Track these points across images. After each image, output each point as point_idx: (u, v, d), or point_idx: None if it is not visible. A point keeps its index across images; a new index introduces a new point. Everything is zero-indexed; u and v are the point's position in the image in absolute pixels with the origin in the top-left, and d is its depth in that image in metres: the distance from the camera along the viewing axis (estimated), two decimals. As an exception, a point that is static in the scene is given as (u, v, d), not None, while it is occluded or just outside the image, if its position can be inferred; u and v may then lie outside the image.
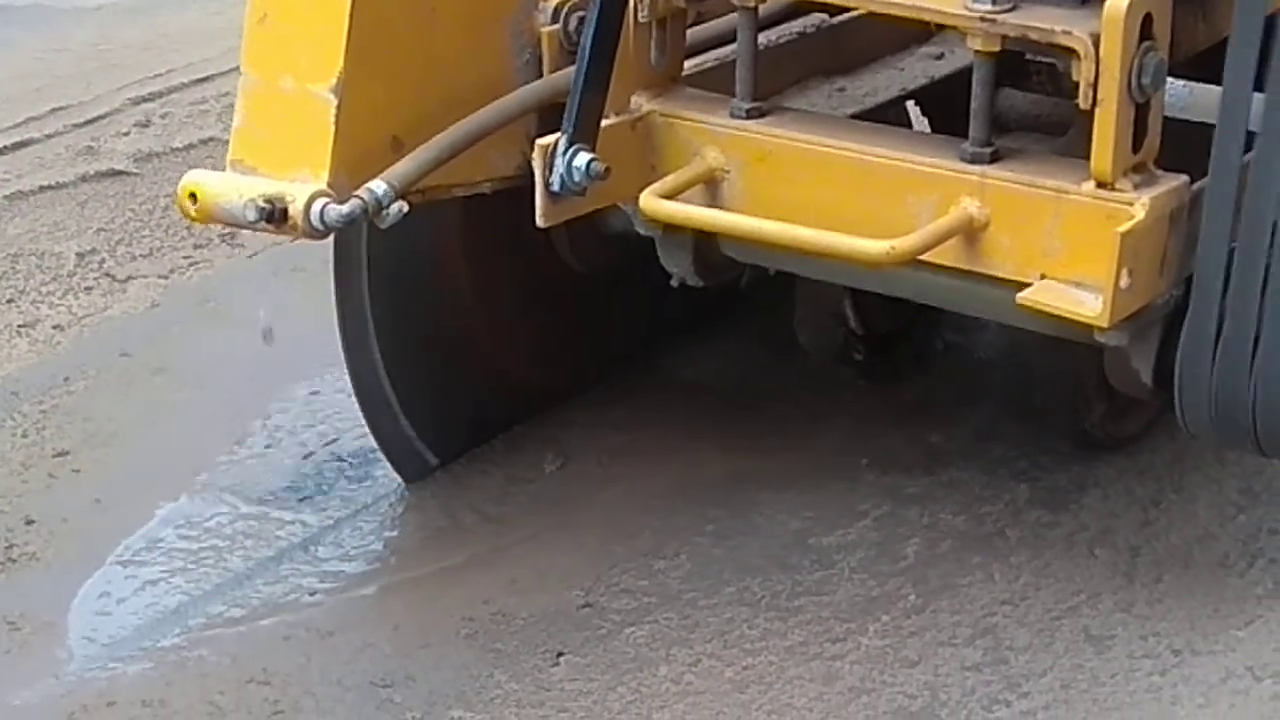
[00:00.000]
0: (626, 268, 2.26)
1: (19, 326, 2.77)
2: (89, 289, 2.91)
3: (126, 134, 3.40)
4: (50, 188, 3.20)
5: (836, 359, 2.33)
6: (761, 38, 2.19)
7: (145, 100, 3.50)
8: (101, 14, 3.94)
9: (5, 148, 3.29)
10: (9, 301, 2.83)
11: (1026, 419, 2.33)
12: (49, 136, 3.37)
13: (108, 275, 2.94)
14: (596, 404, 2.45)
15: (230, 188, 1.89)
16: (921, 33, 2.25)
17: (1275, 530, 2.18)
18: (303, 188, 1.86)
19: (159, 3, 3.96)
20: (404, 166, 1.90)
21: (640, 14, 2.00)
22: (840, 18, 2.19)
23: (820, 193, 1.96)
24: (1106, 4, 1.76)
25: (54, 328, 2.79)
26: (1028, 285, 1.87)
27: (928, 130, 2.43)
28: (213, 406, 2.55)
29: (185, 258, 2.99)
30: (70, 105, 3.46)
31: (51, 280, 2.92)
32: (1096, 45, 1.77)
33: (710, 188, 2.02)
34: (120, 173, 3.25)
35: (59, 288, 2.91)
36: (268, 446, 2.46)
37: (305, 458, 2.42)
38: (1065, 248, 1.85)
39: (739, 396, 2.48)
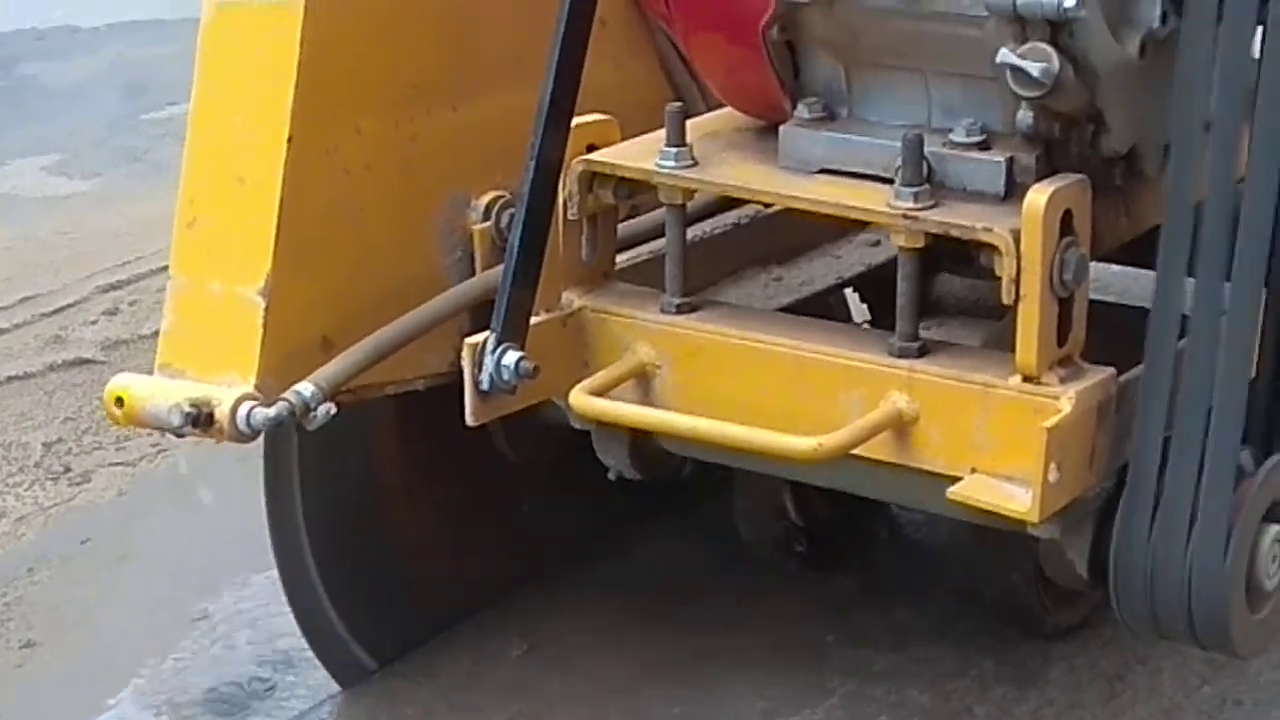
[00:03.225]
0: (565, 458, 2.19)
1: (-16, 519, 2.72)
2: (55, 479, 2.86)
3: (95, 322, 3.37)
4: (18, 378, 3.17)
5: (778, 551, 2.27)
6: (697, 229, 2.17)
7: (114, 288, 3.48)
8: (71, 202, 3.94)
9: (-25, 339, 3.28)
10: (-26, 495, 2.79)
11: (976, 605, 2.27)
12: (18, 326, 3.34)
13: (73, 465, 2.89)
14: (561, 588, 2.39)
15: (157, 391, 1.83)
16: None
17: (1240, 701, 2.15)
18: (230, 391, 1.81)
19: (128, 191, 3.96)
20: (333, 368, 1.85)
21: (570, 211, 1.97)
22: (774, 208, 2.15)
23: (751, 388, 1.91)
24: (1026, 200, 1.72)
25: (18, 520, 2.74)
26: (959, 479, 1.81)
27: (868, 316, 2.40)
28: (176, 592, 2.48)
29: (153, 445, 2.93)
30: (39, 294, 3.44)
31: (18, 471, 2.87)
32: (1017, 241, 1.73)
33: (642, 383, 1.97)
34: (88, 361, 3.22)
35: (25, 479, 2.86)
36: (226, 637, 2.39)
37: (263, 648, 2.35)
38: (994, 442, 1.79)
39: (702, 577, 2.42)
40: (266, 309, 1.84)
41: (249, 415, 1.79)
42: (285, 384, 1.82)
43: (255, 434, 1.81)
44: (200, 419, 1.79)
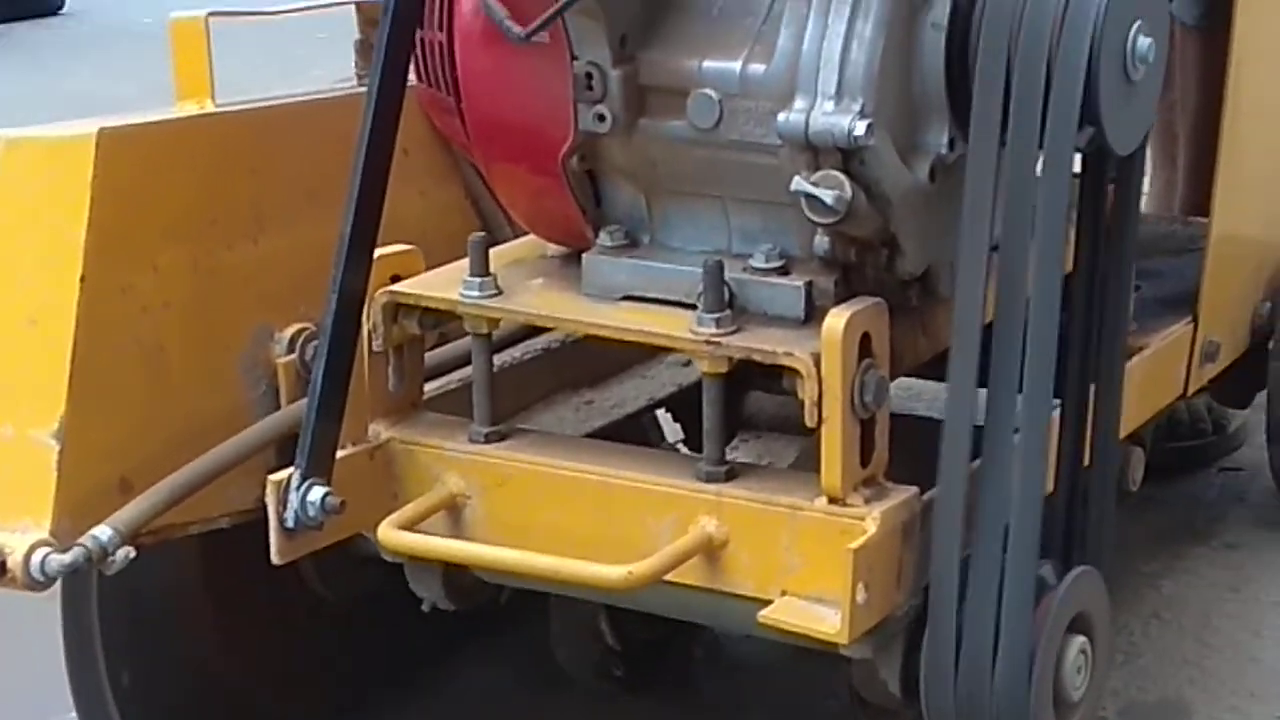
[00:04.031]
0: (379, 591, 2.15)
1: None
2: None
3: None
4: None
5: (594, 675, 2.24)
6: (506, 355, 2.16)
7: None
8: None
9: None
10: None
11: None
12: None
13: None
14: (383, 715, 2.35)
15: (-55, 540, 1.77)
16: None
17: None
18: (23, 538, 1.75)
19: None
20: (131, 511, 1.80)
21: (375, 343, 1.94)
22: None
23: (561, 516, 1.89)
24: (824, 325, 1.74)
25: None
26: (770, 601, 1.80)
27: (681, 436, 2.40)
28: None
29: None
30: None
31: None
32: (818, 365, 1.74)
33: (453, 514, 1.94)
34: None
35: None
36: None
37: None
38: (803, 564, 1.79)
39: (523, 699, 2.39)
40: (61, 452, 1.78)
41: (43, 562, 1.74)
42: (82, 528, 1.77)
43: (50, 582, 1.75)
44: (-9, 568, 1.74)
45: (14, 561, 1.74)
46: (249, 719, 2.23)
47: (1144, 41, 1.76)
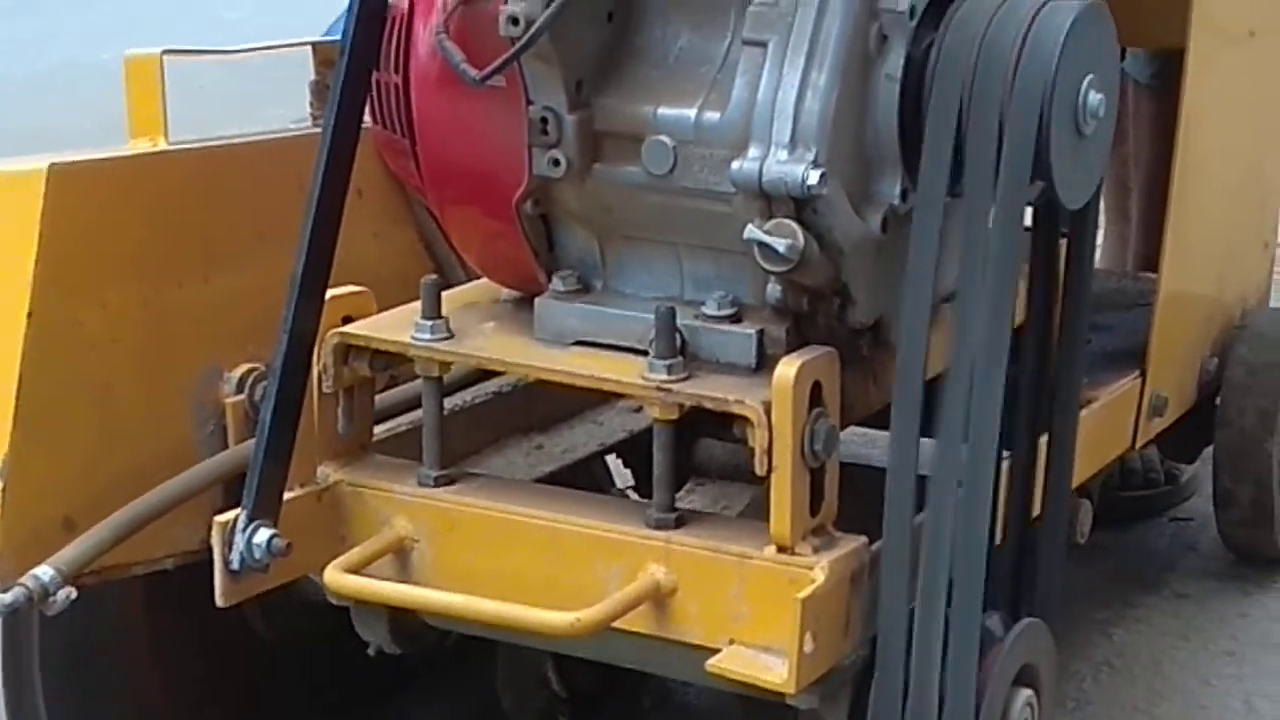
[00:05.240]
0: (324, 635, 2.12)
1: None
2: None
3: None
4: None
5: (541, 722, 2.22)
6: (457, 398, 2.14)
7: None
8: None
9: None
10: None
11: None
12: None
13: None
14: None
15: (-118, 578, 1.74)
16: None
17: None
18: (-39, 577, 1.73)
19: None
20: (74, 550, 1.78)
21: (325, 384, 1.92)
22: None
23: (510, 561, 1.87)
24: (775, 374, 1.73)
25: None
26: (718, 650, 1.79)
27: (631, 481, 2.39)
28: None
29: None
30: None
31: None
32: (768, 413, 1.73)
33: (400, 557, 1.92)
34: None
35: None
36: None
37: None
38: (751, 612, 1.77)
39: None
40: (3, 489, 1.76)
41: (-17, 602, 1.72)
42: (24, 568, 1.74)
43: (-11, 621, 1.74)
44: (-71, 607, 1.72)
45: (-48, 601, 1.71)
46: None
47: (1095, 97, 1.77)
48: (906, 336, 1.72)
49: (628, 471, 2.38)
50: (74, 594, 1.76)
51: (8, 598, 1.72)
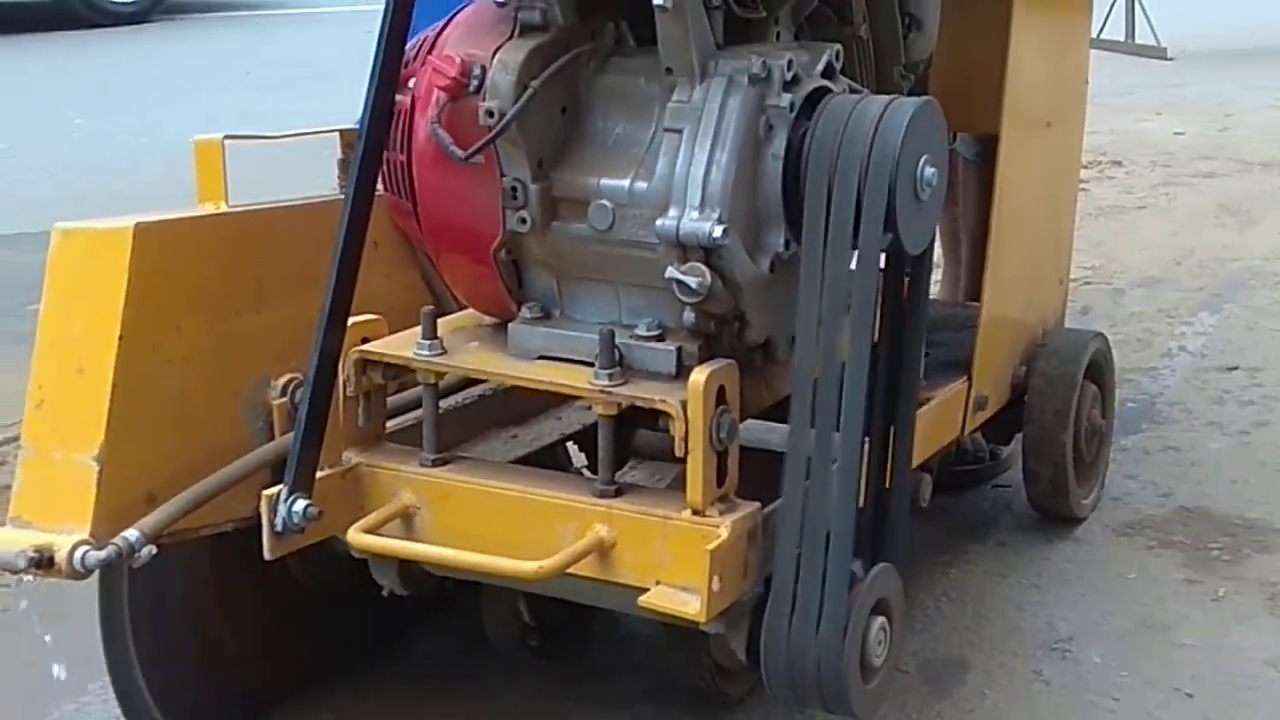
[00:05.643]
0: (349, 581, 2.11)
1: None
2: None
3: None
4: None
5: (516, 646, 2.21)
6: (451, 400, 2.13)
7: (-12, 449, 3.23)
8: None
9: None
10: None
11: (666, 685, 2.24)
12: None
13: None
14: (360, 677, 2.29)
15: (6, 539, 1.72)
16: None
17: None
18: (68, 538, 1.70)
19: (13, 367, 3.70)
20: (155, 517, 1.76)
21: (348, 390, 1.92)
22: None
23: (489, 524, 1.87)
24: (690, 379, 1.73)
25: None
26: (648, 589, 1.79)
27: (585, 463, 2.38)
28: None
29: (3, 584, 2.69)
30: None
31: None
32: (685, 409, 1.73)
33: (406, 521, 1.91)
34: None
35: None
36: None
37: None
38: (673, 561, 1.77)
39: (468, 664, 2.34)
40: (100, 473, 1.74)
41: (84, 557, 1.69)
42: (115, 531, 1.72)
43: (89, 573, 1.71)
44: (43, 561, 1.69)
45: (60, 557, 1.69)
46: (242, 677, 2.17)
47: (930, 171, 1.78)
48: (800, 351, 1.73)
49: (582, 455, 2.37)
50: (155, 551, 1.74)
51: (102, 554, 1.70)
